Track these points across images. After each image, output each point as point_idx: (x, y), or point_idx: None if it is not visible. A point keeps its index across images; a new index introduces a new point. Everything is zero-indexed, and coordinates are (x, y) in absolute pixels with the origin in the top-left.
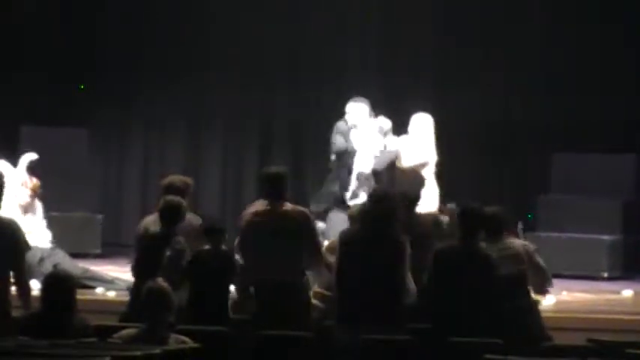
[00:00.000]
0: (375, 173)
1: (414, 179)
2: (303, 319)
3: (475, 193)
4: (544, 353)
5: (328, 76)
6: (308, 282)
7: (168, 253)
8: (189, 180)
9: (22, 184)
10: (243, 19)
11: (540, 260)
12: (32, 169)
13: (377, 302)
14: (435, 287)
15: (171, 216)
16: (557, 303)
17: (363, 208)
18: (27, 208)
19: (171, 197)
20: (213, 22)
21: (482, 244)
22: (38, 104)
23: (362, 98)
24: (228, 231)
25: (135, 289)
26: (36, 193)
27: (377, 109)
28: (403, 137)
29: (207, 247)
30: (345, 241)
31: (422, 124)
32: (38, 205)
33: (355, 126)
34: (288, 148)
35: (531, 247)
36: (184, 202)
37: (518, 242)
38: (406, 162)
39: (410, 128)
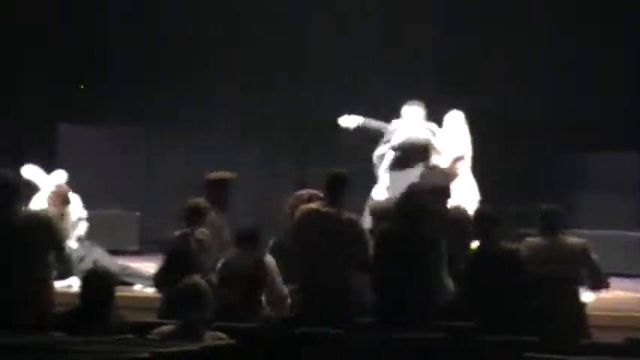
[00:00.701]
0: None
1: (442, 176)
2: (347, 321)
3: (504, 192)
4: (582, 351)
5: (363, 78)
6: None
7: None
8: (230, 175)
9: (49, 199)
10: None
11: (596, 258)
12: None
13: (411, 300)
14: (465, 285)
15: (193, 216)
16: (596, 301)
17: (396, 205)
18: (60, 218)
19: (194, 198)
20: (261, 23)
21: (504, 243)
22: (75, 102)
23: (417, 102)
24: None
25: (162, 290)
26: (64, 201)
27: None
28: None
29: (236, 251)
30: (379, 239)
31: (455, 121)
32: (72, 202)
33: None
34: (324, 149)
35: (589, 244)
36: (206, 203)
37: (574, 240)
38: (441, 158)
39: (444, 125)
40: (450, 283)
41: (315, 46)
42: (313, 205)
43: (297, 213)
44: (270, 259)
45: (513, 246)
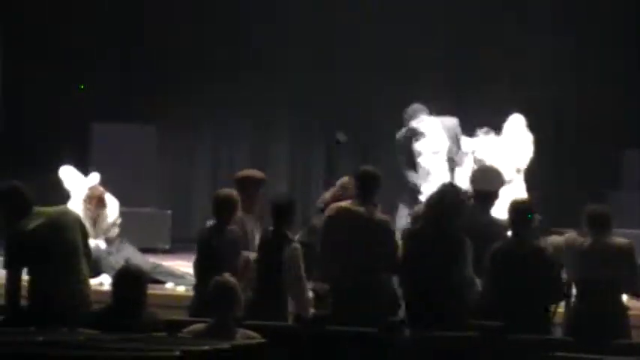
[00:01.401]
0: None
1: (491, 176)
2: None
3: (545, 191)
4: (617, 351)
5: (397, 76)
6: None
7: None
8: (260, 174)
9: (85, 202)
10: (311, 19)
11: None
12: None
13: (440, 299)
14: (492, 284)
15: (221, 208)
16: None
17: (426, 205)
18: (95, 220)
19: (222, 190)
20: (285, 23)
21: (540, 239)
22: (109, 101)
23: (420, 104)
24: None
25: (197, 286)
26: (99, 202)
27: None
28: (494, 138)
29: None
30: (408, 239)
31: (517, 125)
32: (110, 204)
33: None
34: (355, 147)
35: (634, 245)
36: (236, 194)
37: (622, 240)
38: (503, 165)
39: (505, 130)
40: (477, 282)
41: (341, 44)
42: (343, 204)
43: (327, 211)
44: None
45: (542, 243)
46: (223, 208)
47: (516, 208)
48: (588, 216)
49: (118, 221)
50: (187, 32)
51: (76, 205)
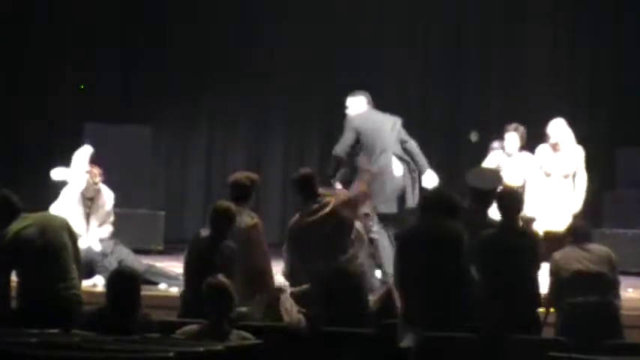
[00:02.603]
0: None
1: (489, 176)
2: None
3: None
4: (609, 351)
5: (390, 76)
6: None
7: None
8: (254, 176)
9: (87, 174)
10: (304, 20)
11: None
12: (93, 161)
13: (436, 297)
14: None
15: (218, 220)
16: (624, 301)
17: (420, 205)
18: (94, 199)
19: (220, 201)
20: (278, 22)
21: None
22: (102, 101)
23: (361, 92)
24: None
25: (184, 293)
26: (101, 179)
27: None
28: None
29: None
30: (403, 239)
31: (561, 129)
32: (107, 193)
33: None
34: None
35: (615, 257)
36: (233, 206)
37: (602, 247)
38: (552, 171)
39: (551, 135)
40: (476, 280)
41: (338, 45)
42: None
43: (291, 224)
44: None
45: (530, 229)
46: (221, 221)
47: (506, 194)
48: (572, 229)
49: (112, 217)
50: (183, 33)
51: (73, 191)
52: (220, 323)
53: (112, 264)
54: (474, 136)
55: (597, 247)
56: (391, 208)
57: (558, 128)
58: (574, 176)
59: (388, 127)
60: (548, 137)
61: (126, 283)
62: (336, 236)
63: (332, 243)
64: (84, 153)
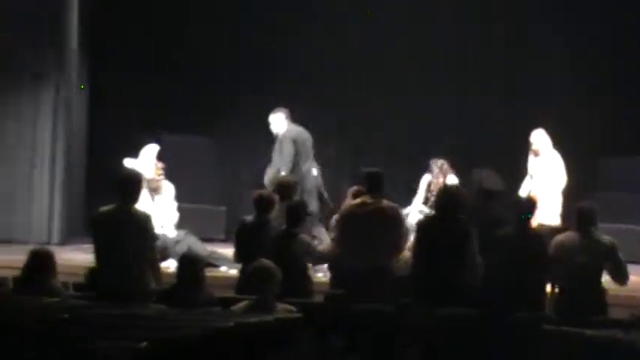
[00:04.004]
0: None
1: (496, 179)
2: (388, 296)
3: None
4: (595, 325)
5: (416, 83)
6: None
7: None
8: (293, 179)
9: (152, 170)
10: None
11: (622, 257)
12: (159, 157)
13: (447, 279)
14: (492, 267)
15: (262, 206)
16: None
17: (435, 200)
18: (157, 189)
19: (262, 190)
20: (322, 40)
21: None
22: (176, 116)
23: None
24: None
25: (242, 271)
26: (163, 175)
27: None
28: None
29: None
30: (420, 226)
31: (542, 138)
32: (168, 186)
33: None
34: (381, 150)
35: (616, 243)
36: (274, 194)
37: (605, 237)
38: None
39: (533, 142)
40: (481, 265)
41: (365, 49)
42: (356, 201)
43: (342, 208)
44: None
45: (539, 232)
46: (263, 207)
47: (521, 203)
48: (577, 212)
49: (176, 205)
50: (239, 52)
51: (144, 175)
52: (267, 299)
53: (182, 250)
54: None
55: (598, 236)
56: (312, 206)
57: (539, 137)
58: (553, 177)
59: (309, 135)
60: (531, 144)
61: (192, 266)
62: (379, 231)
63: (372, 235)
64: (151, 149)
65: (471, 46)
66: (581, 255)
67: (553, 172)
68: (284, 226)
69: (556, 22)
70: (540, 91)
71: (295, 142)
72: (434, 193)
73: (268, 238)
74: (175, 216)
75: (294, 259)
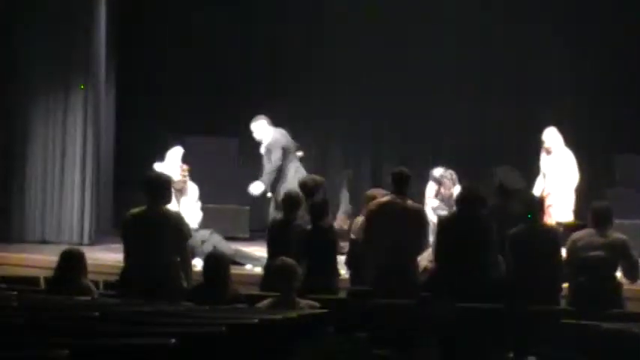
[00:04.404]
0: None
1: (516, 177)
2: (411, 292)
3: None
4: (611, 318)
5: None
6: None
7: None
8: (319, 179)
9: (177, 172)
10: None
11: (634, 254)
12: (184, 159)
13: (469, 275)
14: (512, 262)
15: (289, 205)
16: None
17: (457, 197)
18: (182, 191)
19: (290, 190)
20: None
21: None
22: (201, 119)
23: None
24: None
25: (267, 266)
26: (188, 176)
27: None
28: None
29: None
30: (442, 224)
31: (554, 136)
32: (192, 187)
33: None
34: (398, 151)
35: (629, 241)
36: (302, 195)
37: (619, 235)
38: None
39: (545, 141)
40: (501, 261)
41: (388, 52)
42: (384, 199)
43: (370, 205)
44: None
45: (551, 229)
46: (290, 206)
47: (534, 201)
48: (593, 210)
49: (199, 205)
50: (259, 54)
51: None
52: (289, 296)
53: (208, 249)
54: None
55: (613, 235)
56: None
57: (551, 135)
58: (565, 175)
59: (289, 137)
60: (543, 143)
61: (218, 264)
62: (404, 230)
63: (397, 233)
64: (176, 152)
65: (495, 46)
66: (597, 251)
67: (565, 170)
68: (309, 224)
69: (559, 22)
70: (552, 90)
71: (284, 149)
72: (444, 202)
73: (295, 234)
74: (199, 215)
75: (322, 251)
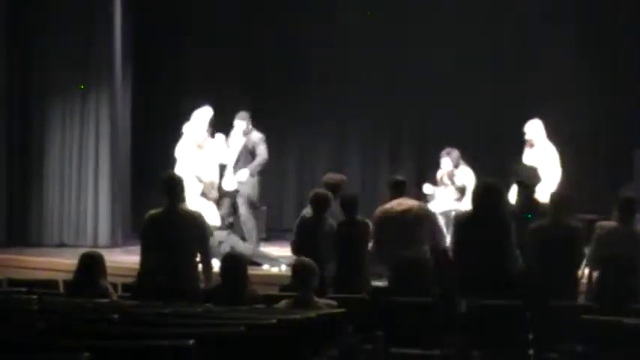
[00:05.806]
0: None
1: (532, 174)
2: (427, 288)
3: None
4: (632, 313)
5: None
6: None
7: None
8: (341, 177)
9: (202, 135)
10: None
11: None
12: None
13: (489, 271)
14: (532, 258)
15: (319, 204)
16: None
17: (473, 195)
18: (201, 146)
19: (319, 190)
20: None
21: (573, 221)
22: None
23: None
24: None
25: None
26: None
27: None
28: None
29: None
30: (460, 221)
31: (538, 129)
32: (212, 143)
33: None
34: (415, 150)
35: None
36: (330, 194)
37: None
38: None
39: (526, 133)
40: (519, 257)
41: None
42: (387, 206)
43: (375, 213)
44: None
45: (575, 223)
46: (320, 205)
47: (555, 198)
48: (617, 202)
49: (216, 181)
50: (275, 56)
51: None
52: (308, 295)
53: (225, 249)
54: None
55: (635, 229)
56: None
57: (533, 128)
58: (547, 169)
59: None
60: (525, 135)
61: (236, 265)
62: (409, 229)
63: (405, 232)
64: (205, 112)
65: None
66: (620, 244)
67: (547, 164)
68: (342, 218)
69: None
70: (559, 88)
71: (265, 143)
72: (444, 181)
73: (324, 233)
74: (215, 174)
75: (358, 244)
